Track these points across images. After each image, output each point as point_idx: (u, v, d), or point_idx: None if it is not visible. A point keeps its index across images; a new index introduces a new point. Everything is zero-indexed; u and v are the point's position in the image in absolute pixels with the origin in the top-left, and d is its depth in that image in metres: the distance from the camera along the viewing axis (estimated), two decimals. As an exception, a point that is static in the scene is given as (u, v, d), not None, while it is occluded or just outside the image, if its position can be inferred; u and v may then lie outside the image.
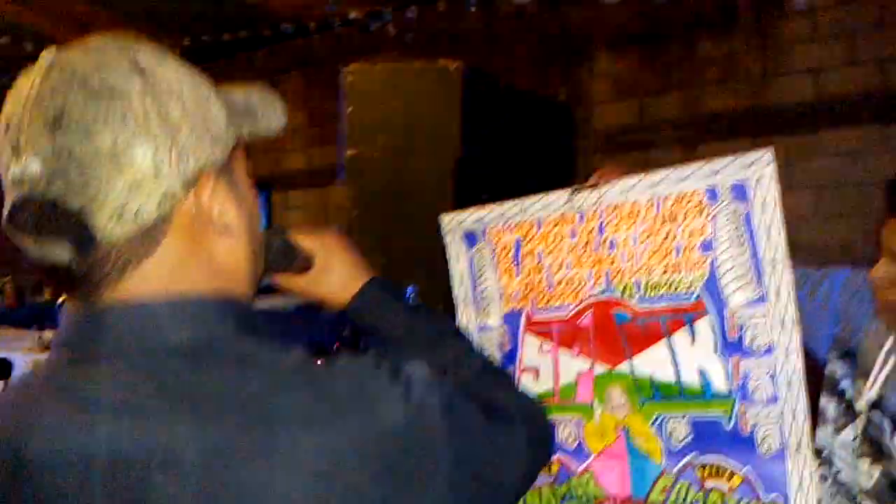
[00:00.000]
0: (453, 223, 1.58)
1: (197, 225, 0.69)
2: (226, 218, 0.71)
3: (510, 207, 1.51)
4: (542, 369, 1.49)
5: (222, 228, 0.70)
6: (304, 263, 0.96)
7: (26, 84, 0.64)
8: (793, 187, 3.83)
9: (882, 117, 3.59)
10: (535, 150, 3.81)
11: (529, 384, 1.50)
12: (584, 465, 1.45)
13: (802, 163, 3.83)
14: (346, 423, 0.63)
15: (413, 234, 3.16)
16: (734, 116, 4.09)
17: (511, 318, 1.53)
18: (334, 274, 1.00)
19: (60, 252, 0.63)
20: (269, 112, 0.77)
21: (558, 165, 4.14)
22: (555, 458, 1.45)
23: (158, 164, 0.63)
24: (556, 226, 1.47)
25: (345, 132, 3.03)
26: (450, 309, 1.60)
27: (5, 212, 0.65)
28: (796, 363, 1.28)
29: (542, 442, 0.92)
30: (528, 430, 0.83)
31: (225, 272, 0.72)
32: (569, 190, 1.45)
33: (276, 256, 0.85)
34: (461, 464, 0.69)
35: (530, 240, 1.50)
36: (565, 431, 1.47)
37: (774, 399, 1.29)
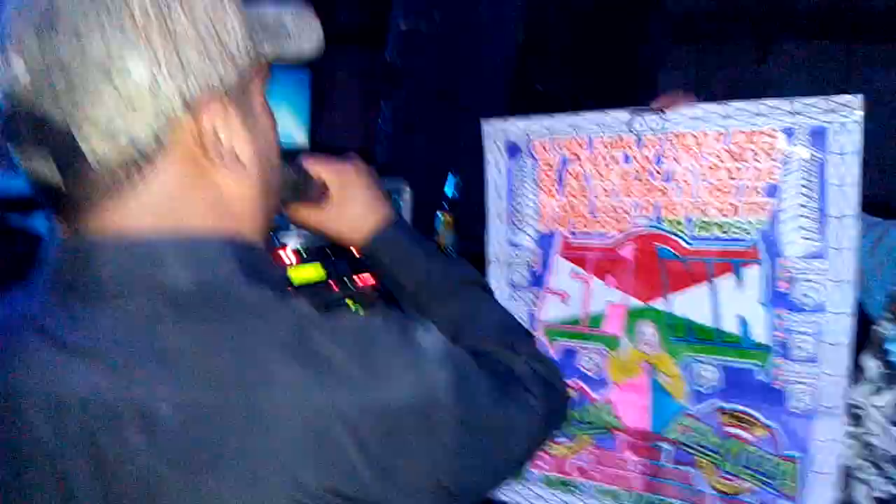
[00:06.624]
0: (496, 130, 1.47)
1: (201, 154, 0.62)
2: (236, 148, 0.63)
3: (560, 121, 1.39)
4: (572, 295, 1.43)
5: (231, 160, 0.63)
6: (318, 196, 0.87)
7: None
8: (867, 97, 3.59)
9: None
10: (601, 40, 3.57)
11: (556, 308, 1.45)
12: (604, 394, 1.41)
13: (880, 73, 3.60)
14: (339, 393, 0.57)
15: (462, 121, 3.01)
16: (818, 15, 3.81)
17: (545, 240, 1.45)
18: (351, 209, 0.92)
19: (47, 170, 0.58)
20: (301, 33, 0.69)
21: (624, 56, 3.91)
22: (574, 383, 1.42)
23: (156, 80, 0.57)
24: (609, 148, 1.36)
25: (399, 4, 2.84)
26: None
27: None
28: (846, 325, 1.20)
29: (558, 412, 0.85)
30: (544, 402, 0.77)
31: (232, 210, 0.65)
32: (629, 110, 1.33)
33: (289, 187, 0.78)
34: (466, 441, 0.64)
35: (578, 159, 1.39)
36: (588, 360, 1.42)
37: (814, 359, 1.22)
